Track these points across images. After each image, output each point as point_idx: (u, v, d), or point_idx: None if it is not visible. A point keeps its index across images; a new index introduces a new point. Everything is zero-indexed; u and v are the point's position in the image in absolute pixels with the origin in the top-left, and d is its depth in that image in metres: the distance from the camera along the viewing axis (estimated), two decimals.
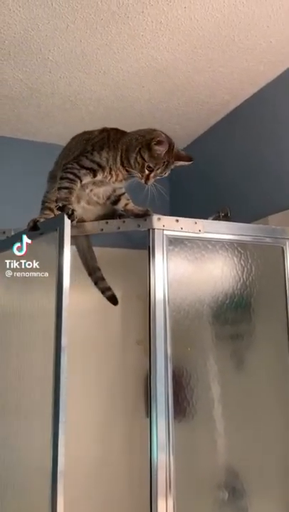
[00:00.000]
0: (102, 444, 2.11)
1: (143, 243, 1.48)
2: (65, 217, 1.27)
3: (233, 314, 1.44)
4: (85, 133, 1.50)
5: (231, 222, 1.64)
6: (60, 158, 1.51)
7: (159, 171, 1.36)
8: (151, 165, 1.34)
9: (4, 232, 1.54)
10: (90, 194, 1.48)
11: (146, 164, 1.34)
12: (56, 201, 1.32)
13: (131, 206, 1.46)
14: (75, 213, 1.29)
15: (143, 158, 1.34)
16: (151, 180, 1.36)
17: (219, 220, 1.92)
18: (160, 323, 1.31)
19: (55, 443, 1.19)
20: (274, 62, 1.64)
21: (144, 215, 1.37)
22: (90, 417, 2.08)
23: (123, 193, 1.50)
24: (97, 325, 2.20)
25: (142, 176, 1.36)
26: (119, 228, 1.45)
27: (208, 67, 1.67)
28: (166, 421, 1.27)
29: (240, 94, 1.85)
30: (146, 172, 1.35)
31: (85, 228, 1.53)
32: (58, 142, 2.14)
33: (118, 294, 2.30)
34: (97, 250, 2.12)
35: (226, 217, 1.91)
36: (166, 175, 1.40)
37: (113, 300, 1.60)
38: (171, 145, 1.36)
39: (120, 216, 1.49)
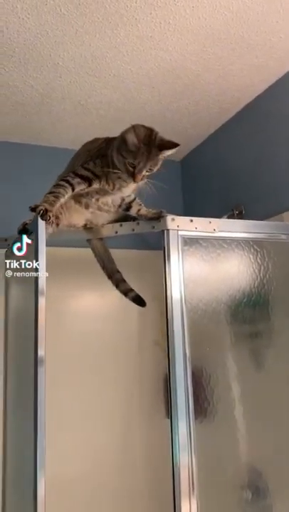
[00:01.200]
0: (123, 445, 2.12)
1: (158, 244, 1.48)
2: (39, 218, 1.26)
3: (251, 313, 1.44)
4: (92, 141, 1.50)
5: (246, 220, 1.63)
6: (70, 164, 1.53)
7: (141, 165, 1.27)
8: (130, 160, 1.27)
9: None
10: (98, 203, 1.48)
11: (126, 161, 1.28)
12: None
13: (144, 211, 1.45)
14: (49, 213, 1.25)
15: (122, 155, 1.28)
16: (139, 178, 1.29)
17: (234, 218, 1.92)
18: (178, 324, 1.31)
19: (35, 463, 1.19)
20: (284, 58, 1.63)
21: (158, 218, 1.37)
22: (110, 418, 2.09)
23: (133, 200, 1.49)
24: (114, 326, 2.21)
25: (128, 174, 1.30)
26: (133, 230, 1.46)
27: (217, 65, 1.66)
28: (186, 421, 1.27)
29: (251, 91, 1.84)
30: (130, 169, 1.28)
31: (100, 231, 1.54)
32: (69, 147, 2.16)
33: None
34: (111, 252, 2.13)
35: (241, 215, 1.90)
36: (155, 170, 1.31)
37: (138, 301, 1.55)
38: (150, 135, 1.27)
39: (134, 219, 1.50)
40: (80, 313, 2.18)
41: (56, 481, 1.93)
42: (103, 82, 1.73)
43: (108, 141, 1.42)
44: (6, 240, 1.60)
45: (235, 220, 1.81)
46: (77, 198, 1.44)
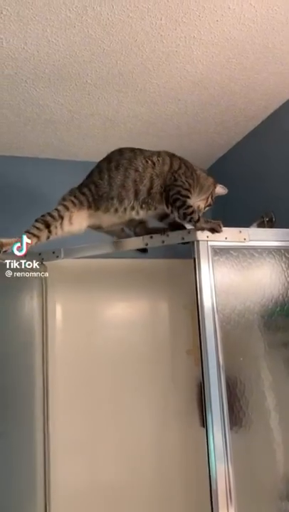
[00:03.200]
0: (157, 454, 2.12)
1: (187, 252, 1.50)
2: None
3: (284, 322, 1.43)
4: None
5: (276, 229, 1.62)
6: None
7: None
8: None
9: (54, 252, 1.60)
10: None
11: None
12: None
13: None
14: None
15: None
16: None
17: (264, 225, 1.91)
18: (210, 334, 1.31)
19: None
20: None
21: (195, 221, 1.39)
22: (143, 427, 2.10)
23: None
24: (145, 336, 2.22)
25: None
26: (163, 242, 1.47)
27: (243, 75, 1.67)
28: (222, 431, 1.27)
29: (277, 99, 1.84)
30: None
31: (130, 244, 1.56)
32: (98, 160, 2.22)
33: (164, 304, 2.34)
34: (142, 262, 2.16)
35: (271, 223, 1.89)
36: None
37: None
38: None
39: (164, 230, 1.52)
40: (110, 323, 2.21)
41: (90, 489, 1.96)
42: (130, 97, 1.77)
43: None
44: (39, 254, 1.65)
45: (266, 229, 1.81)
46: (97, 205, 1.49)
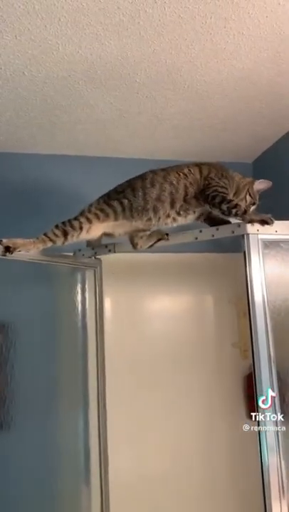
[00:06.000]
0: (204, 446, 2.16)
1: (232, 247, 1.52)
2: None
3: None
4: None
5: None
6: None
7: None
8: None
9: (106, 246, 1.67)
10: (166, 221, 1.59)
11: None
12: None
13: None
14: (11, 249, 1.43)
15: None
16: None
17: None
18: (261, 328, 1.34)
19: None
20: None
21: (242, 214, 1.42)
22: (190, 419, 2.15)
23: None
24: (191, 329, 2.26)
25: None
26: (213, 236, 1.51)
27: None
28: (274, 423, 1.30)
29: None
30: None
31: (179, 238, 1.60)
32: (144, 157, 2.27)
33: (210, 298, 2.37)
34: (188, 256, 2.20)
35: None
36: None
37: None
38: None
39: (212, 224, 1.55)
40: (157, 316, 2.26)
41: (139, 480, 2.02)
42: (177, 94, 1.80)
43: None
44: (93, 248, 1.72)
45: None
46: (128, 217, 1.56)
